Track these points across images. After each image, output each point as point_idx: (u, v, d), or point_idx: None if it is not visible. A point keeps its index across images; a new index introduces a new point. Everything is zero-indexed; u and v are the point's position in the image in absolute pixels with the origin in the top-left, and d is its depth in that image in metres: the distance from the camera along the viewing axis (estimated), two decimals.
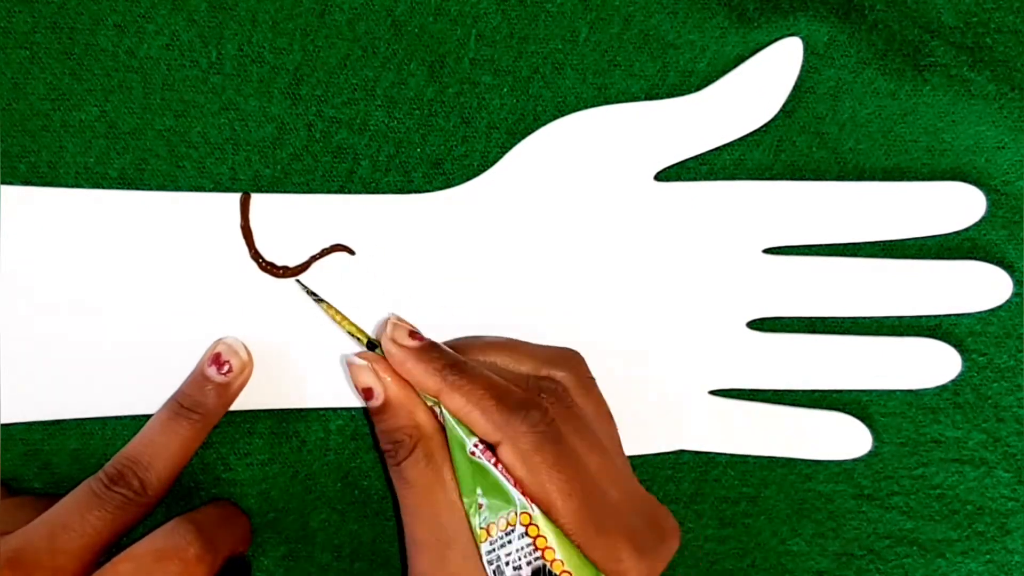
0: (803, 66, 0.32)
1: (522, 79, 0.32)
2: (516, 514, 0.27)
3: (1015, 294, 0.34)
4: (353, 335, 0.30)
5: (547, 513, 0.26)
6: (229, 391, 0.30)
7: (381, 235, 0.32)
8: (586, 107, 0.32)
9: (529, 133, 0.32)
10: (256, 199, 0.31)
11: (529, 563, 0.26)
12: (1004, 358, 0.35)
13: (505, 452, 0.27)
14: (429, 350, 0.28)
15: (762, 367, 0.33)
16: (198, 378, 0.30)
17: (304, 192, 0.32)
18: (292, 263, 0.31)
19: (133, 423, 0.32)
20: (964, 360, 0.34)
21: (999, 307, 0.34)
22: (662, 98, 0.32)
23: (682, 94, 0.32)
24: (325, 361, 0.32)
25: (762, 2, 0.32)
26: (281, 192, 0.31)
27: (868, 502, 0.35)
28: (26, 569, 0.24)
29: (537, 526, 0.26)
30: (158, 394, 0.31)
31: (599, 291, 0.33)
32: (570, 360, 0.30)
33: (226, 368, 0.30)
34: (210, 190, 0.31)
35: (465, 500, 0.27)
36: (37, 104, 0.30)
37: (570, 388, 0.29)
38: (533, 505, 0.27)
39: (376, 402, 0.29)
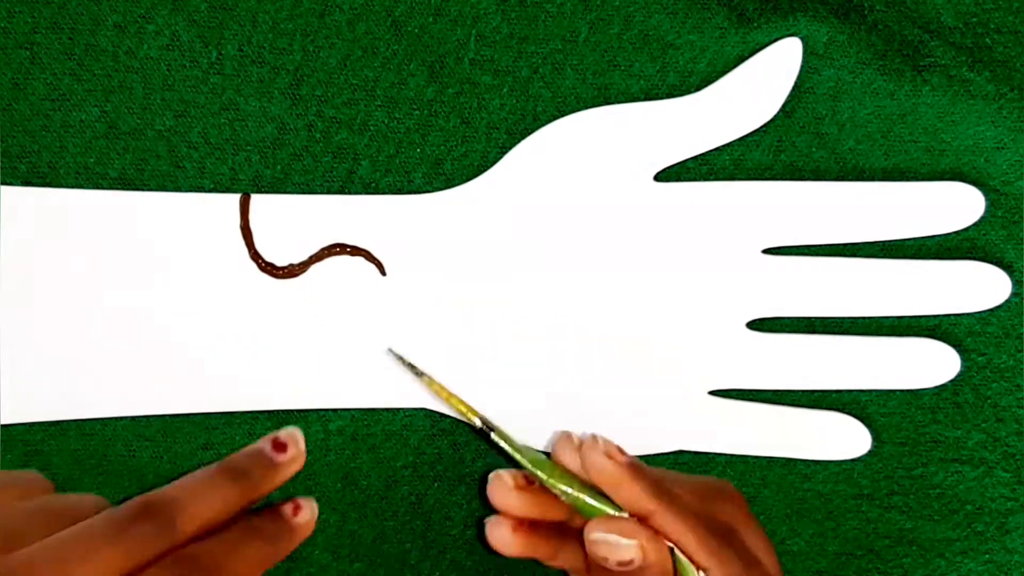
0: (802, 66, 0.32)
1: (522, 79, 0.32)
2: None
3: (1014, 294, 0.34)
4: (462, 412, 0.29)
5: None
6: (278, 473, 0.28)
7: (381, 235, 0.32)
8: (586, 107, 0.32)
9: (529, 133, 0.32)
10: (256, 199, 0.31)
11: None
12: (1003, 358, 0.35)
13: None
14: (640, 467, 0.28)
15: (762, 367, 0.33)
16: (252, 450, 0.28)
17: (304, 192, 0.32)
18: (292, 263, 0.31)
19: (133, 423, 0.32)
20: (963, 360, 0.34)
21: (998, 307, 0.34)
22: (662, 98, 0.32)
23: (682, 94, 0.32)
24: (325, 362, 0.32)
25: (762, 2, 0.32)
26: (281, 192, 0.32)
27: (867, 502, 0.35)
28: None
29: None
30: (158, 394, 0.31)
31: (599, 291, 0.33)
32: (733, 495, 0.30)
33: (281, 450, 0.28)
34: (210, 190, 0.31)
35: None
36: (37, 104, 0.30)
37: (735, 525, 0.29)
38: None
39: (636, 563, 0.27)
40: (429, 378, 0.30)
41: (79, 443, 0.32)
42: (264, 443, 0.29)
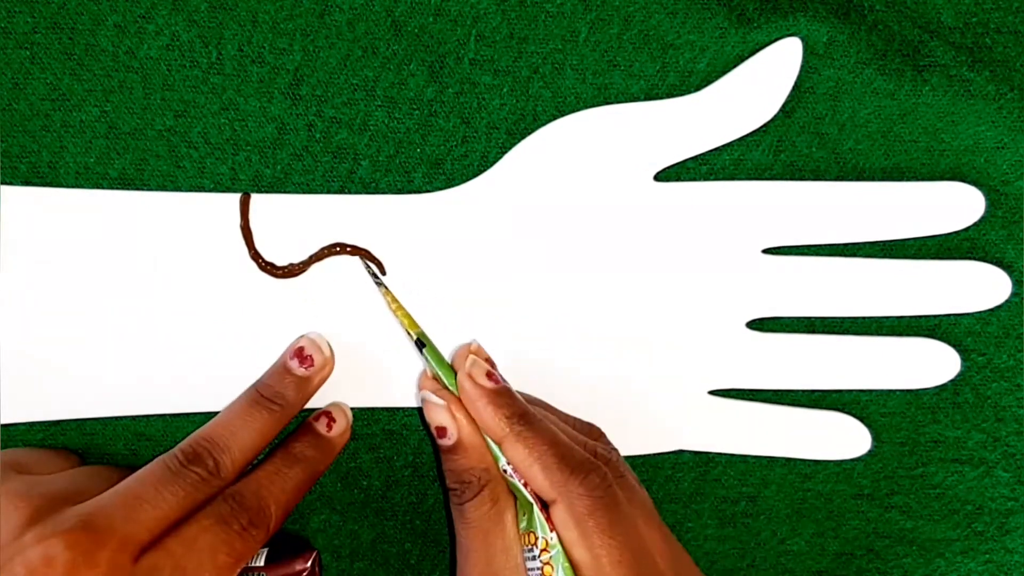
0: (803, 66, 0.32)
1: (522, 79, 0.32)
2: (536, 536, 0.28)
3: (1014, 294, 0.34)
4: (404, 326, 0.30)
5: (593, 574, 0.27)
6: (309, 385, 0.30)
7: (381, 235, 0.32)
8: (586, 107, 0.32)
9: (529, 133, 0.32)
10: (256, 199, 0.31)
11: None
12: (1003, 358, 0.35)
13: (558, 512, 0.27)
14: (502, 394, 0.29)
15: (762, 367, 0.33)
16: (279, 369, 0.30)
17: (304, 192, 0.32)
18: (292, 263, 0.31)
19: (133, 423, 0.32)
20: (963, 360, 0.35)
21: (998, 307, 0.34)
22: (662, 98, 0.32)
23: (682, 94, 0.32)
24: None
25: (762, 2, 0.32)
26: (281, 192, 0.32)
27: (868, 502, 0.35)
28: (98, 533, 0.24)
29: (551, 554, 0.27)
30: (158, 394, 0.31)
31: (599, 291, 0.33)
32: (600, 433, 0.31)
33: (308, 363, 0.30)
34: (210, 190, 0.31)
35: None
36: (37, 104, 0.30)
37: (619, 460, 0.29)
38: (553, 534, 0.27)
39: (448, 442, 0.29)
40: (385, 288, 0.31)
41: (79, 443, 0.32)
42: (287, 359, 0.31)
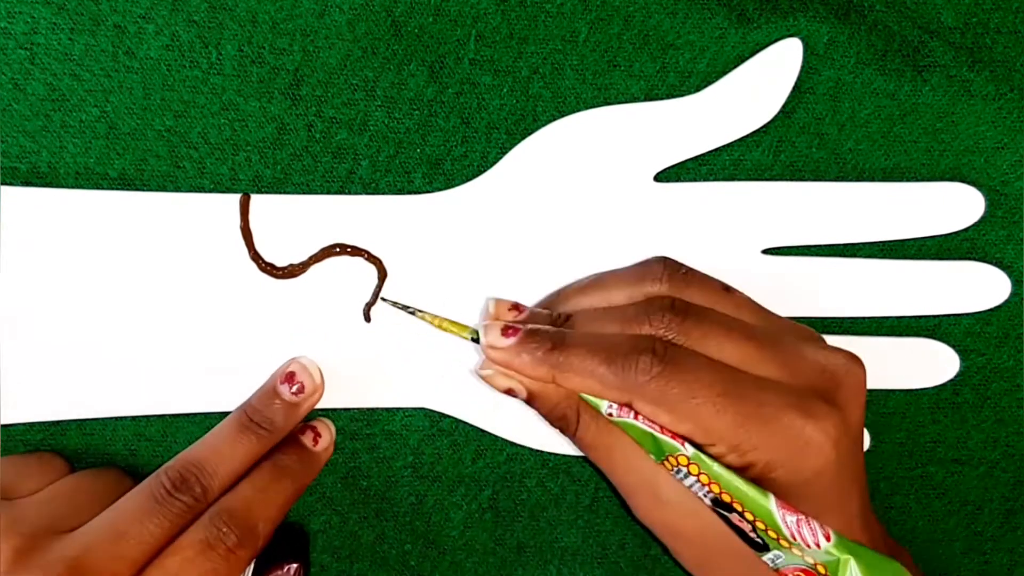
0: (803, 66, 0.32)
1: (522, 79, 0.32)
2: (676, 456, 0.27)
3: (1014, 294, 0.34)
4: (458, 334, 0.30)
5: (708, 439, 0.26)
6: (298, 411, 0.30)
7: (381, 235, 0.32)
8: (586, 107, 0.32)
9: (529, 133, 0.32)
10: (256, 200, 0.31)
11: (706, 494, 0.27)
12: (1003, 358, 0.35)
13: (641, 408, 0.27)
14: (525, 342, 0.28)
15: None
16: (268, 393, 0.30)
17: (304, 192, 0.32)
18: (292, 263, 0.31)
19: (133, 423, 0.32)
20: (963, 360, 0.35)
21: (998, 307, 0.34)
22: (662, 98, 0.32)
23: (682, 94, 0.32)
24: (325, 362, 0.32)
25: (762, 2, 0.32)
26: (281, 192, 0.31)
27: None
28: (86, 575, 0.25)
29: (697, 464, 0.27)
30: (158, 394, 0.31)
31: None
32: (655, 268, 0.30)
33: (297, 388, 0.30)
34: (210, 190, 0.31)
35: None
36: (37, 104, 0.30)
37: (671, 292, 0.29)
38: (684, 444, 0.27)
39: (522, 396, 0.29)
40: (422, 312, 0.31)
41: (79, 443, 0.32)
42: (277, 383, 0.30)
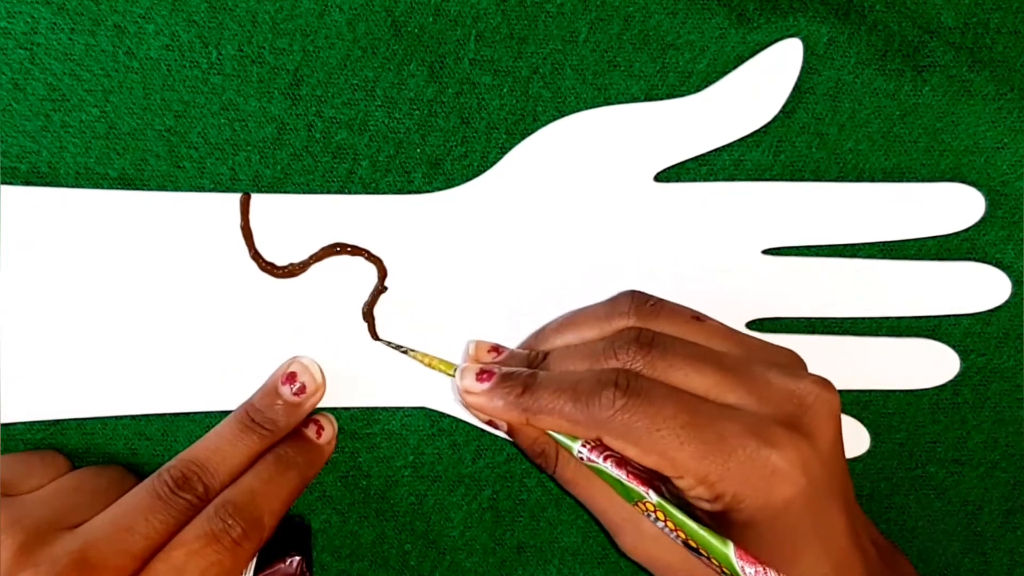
0: (803, 66, 0.32)
1: (522, 79, 0.32)
2: (643, 503, 0.27)
3: (1014, 295, 0.34)
4: (445, 372, 0.31)
5: (675, 471, 0.26)
6: (299, 411, 0.30)
7: (381, 235, 0.32)
8: (586, 107, 0.32)
9: (529, 133, 0.32)
10: (256, 199, 0.31)
11: (676, 538, 0.27)
12: (1003, 359, 0.35)
13: (610, 442, 0.27)
14: (498, 387, 0.28)
15: None
16: (270, 392, 0.30)
17: (304, 192, 0.32)
18: (292, 263, 0.31)
19: (133, 423, 0.32)
20: (963, 361, 0.35)
21: (998, 308, 0.34)
22: (662, 98, 0.32)
23: (682, 94, 0.32)
24: (325, 362, 0.32)
25: (762, 2, 0.32)
26: (281, 192, 0.31)
27: (868, 502, 0.35)
28: (91, 571, 0.25)
29: (661, 510, 0.27)
30: (158, 394, 0.31)
31: (599, 292, 0.33)
32: (623, 301, 0.30)
33: (298, 388, 0.30)
34: (210, 190, 0.31)
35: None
36: (37, 104, 0.30)
37: (639, 324, 0.29)
38: (648, 491, 0.27)
39: (503, 430, 0.29)
40: (413, 352, 0.31)
41: (79, 442, 0.32)
42: (278, 383, 0.30)
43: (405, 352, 0.31)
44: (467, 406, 0.29)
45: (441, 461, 0.34)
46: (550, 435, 0.28)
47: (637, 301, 0.30)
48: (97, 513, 0.27)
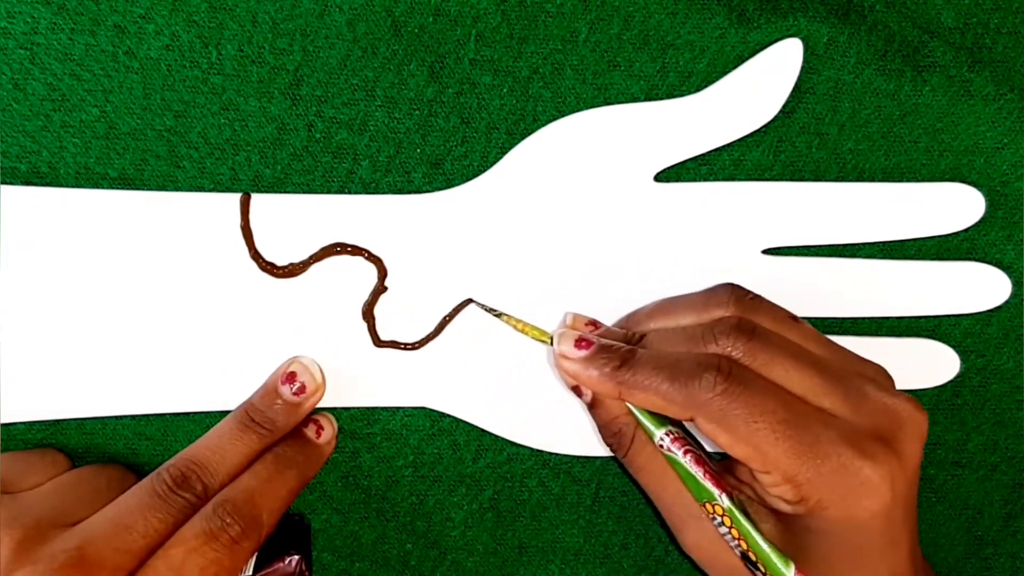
0: (803, 66, 0.32)
1: (522, 79, 0.32)
2: (712, 504, 0.27)
3: (1014, 295, 0.34)
4: (538, 339, 0.31)
5: (764, 466, 0.26)
6: (299, 411, 0.30)
7: (381, 235, 0.32)
8: (586, 107, 0.32)
9: (529, 133, 0.32)
10: (256, 199, 0.31)
11: (736, 547, 0.27)
12: (1003, 359, 0.35)
13: (702, 425, 0.27)
14: (596, 357, 0.28)
15: None
16: (270, 392, 0.30)
17: (304, 192, 0.32)
18: (292, 263, 0.31)
19: (133, 423, 0.32)
20: (963, 361, 0.35)
21: (998, 308, 0.34)
22: (662, 98, 0.32)
23: (682, 94, 0.32)
24: (325, 362, 0.32)
25: (762, 2, 0.32)
26: (281, 192, 0.32)
27: None
28: (89, 568, 0.25)
29: (729, 517, 0.27)
30: (158, 394, 0.31)
31: (599, 292, 0.33)
32: (722, 292, 0.30)
33: (298, 387, 0.30)
34: (210, 190, 0.31)
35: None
36: (37, 104, 0.30)
37: (741, 316, 0.28)
38: (721, 494, 0.27)
39: (586, 399, 0.29)
40: (507, 316, 0.32)
41: (79, 442, 0.32)
42: (278, 382, 0.30)
43: (499, 316, 0.31)
44: (560, 370, 0.29)
45: (442, 461, 0.34)
46: (635, 416, 0.28)
47: (737, 292, 0.29)
48: (96, 511, 0.27)
